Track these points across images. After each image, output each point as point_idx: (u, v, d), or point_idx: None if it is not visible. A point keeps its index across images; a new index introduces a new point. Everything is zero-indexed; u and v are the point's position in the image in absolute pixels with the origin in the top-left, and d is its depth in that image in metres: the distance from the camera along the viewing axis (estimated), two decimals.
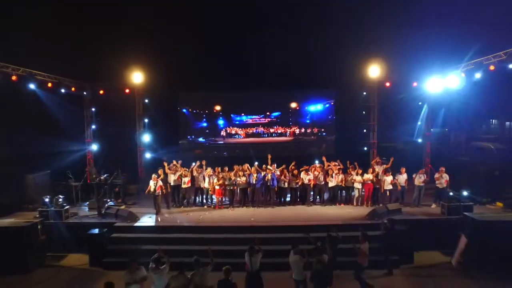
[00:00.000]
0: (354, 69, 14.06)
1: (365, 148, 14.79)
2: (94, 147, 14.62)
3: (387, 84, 13.96)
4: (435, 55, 13.06)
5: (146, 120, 14.97)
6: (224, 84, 15.03)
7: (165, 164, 11.34)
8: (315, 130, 16.18)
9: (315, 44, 14.62)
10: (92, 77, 14.22)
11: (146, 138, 14.84)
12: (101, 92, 14.38)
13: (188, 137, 16.24)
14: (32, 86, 11.00)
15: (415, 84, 13.69)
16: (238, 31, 14.69)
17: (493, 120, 17.02)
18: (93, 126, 14.66)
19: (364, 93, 14.78)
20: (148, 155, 14.89)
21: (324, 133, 16.13)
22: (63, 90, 12.76)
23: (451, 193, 9.82)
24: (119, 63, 13.83)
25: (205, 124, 16.21)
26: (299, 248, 6.55)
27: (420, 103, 14.83)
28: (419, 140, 14.86)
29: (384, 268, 8.03)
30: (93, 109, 14.66)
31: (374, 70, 13.44)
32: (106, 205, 10.58)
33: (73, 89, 13.39)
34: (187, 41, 14.47)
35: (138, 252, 7.85)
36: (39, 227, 8.74)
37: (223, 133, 16.27)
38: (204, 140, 16.33)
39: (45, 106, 12.33)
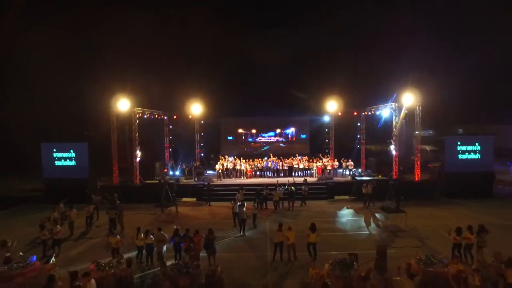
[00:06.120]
0: (320, 104, 27.07)
1: (327, 151, 27.76)
2: (170, 149, 27.60)
3: (339, 113, 26.98)
4: (371, 94, 26.26)
5: (202, 134, 27.99)
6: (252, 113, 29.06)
7: (223, 157, 24.56)
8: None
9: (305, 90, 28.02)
10: (170, 108, 27.22)
11: (201, 144, 27.94)
12: (174, 117, 27.41)
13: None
14: (149, 117, 24.16)
15: (355, 113, 26.87)
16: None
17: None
18: (170, 137, 27.62)
19: (327, 118, 27.79)
20: (202, 154, 27.91)
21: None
22: (160, 117, 25.89)
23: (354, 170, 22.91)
24: (184, 99, 26.71)
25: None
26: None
27: (358, 124, 27.81)
28: (358, 146, 27.81)
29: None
30: (170, 127, 27.62)
31: (332, 105, 26.31)
32: (198, 176, 23.48)
33: (162, 116, 26.43)
34: (225, 88, 27.73)
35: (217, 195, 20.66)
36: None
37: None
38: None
39: (154, 129, 25.50)
